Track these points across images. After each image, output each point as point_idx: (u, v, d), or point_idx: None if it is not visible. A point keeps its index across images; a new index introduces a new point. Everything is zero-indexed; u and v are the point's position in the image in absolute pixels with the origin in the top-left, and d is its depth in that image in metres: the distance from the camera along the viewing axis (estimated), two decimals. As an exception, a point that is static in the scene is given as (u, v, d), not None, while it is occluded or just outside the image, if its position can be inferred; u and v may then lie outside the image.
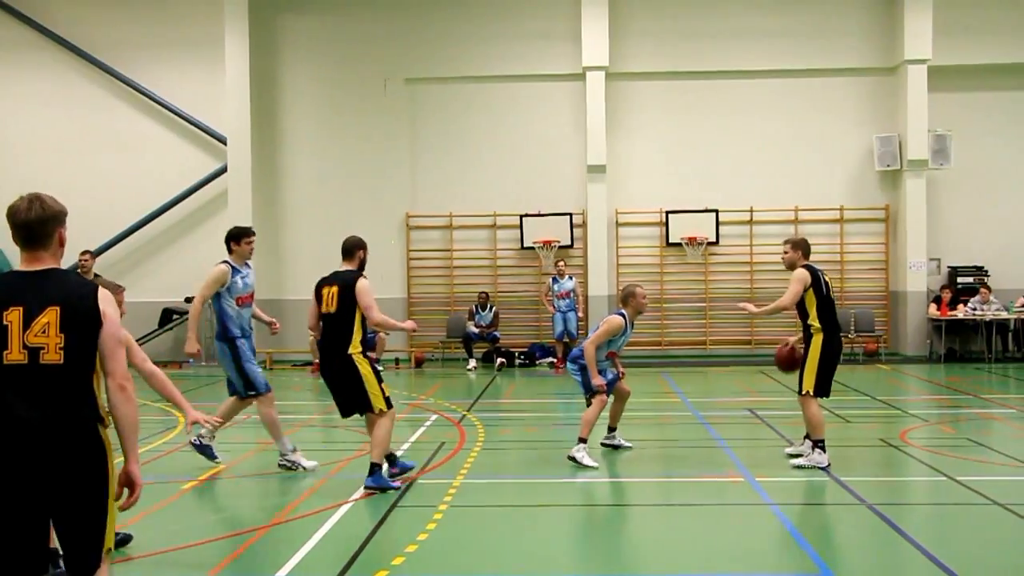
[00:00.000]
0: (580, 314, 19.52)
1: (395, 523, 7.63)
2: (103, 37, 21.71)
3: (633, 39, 20.96)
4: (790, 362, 9.94)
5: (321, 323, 8.81)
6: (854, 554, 6.96)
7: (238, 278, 9.55)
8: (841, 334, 9.83)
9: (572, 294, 19.43)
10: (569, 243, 20.81)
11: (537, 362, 20.08)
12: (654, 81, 21.13)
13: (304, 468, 9.53)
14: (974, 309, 19.59)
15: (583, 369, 9.96)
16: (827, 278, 9.75)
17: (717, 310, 21.11)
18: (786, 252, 9.87)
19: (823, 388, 9.45)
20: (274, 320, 10.21)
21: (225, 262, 9.60)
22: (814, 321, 9.48)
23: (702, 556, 6.79)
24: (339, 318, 8.60)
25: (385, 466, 8.85)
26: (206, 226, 21.57)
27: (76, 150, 21.77)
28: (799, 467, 9.45)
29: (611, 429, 10.66)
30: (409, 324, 9.21)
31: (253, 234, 9.81)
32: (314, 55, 21.52)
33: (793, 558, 6.74)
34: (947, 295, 20.01)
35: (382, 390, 8.63)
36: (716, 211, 20.73)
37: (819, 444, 9.45)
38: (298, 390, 16.78)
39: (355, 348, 8.60)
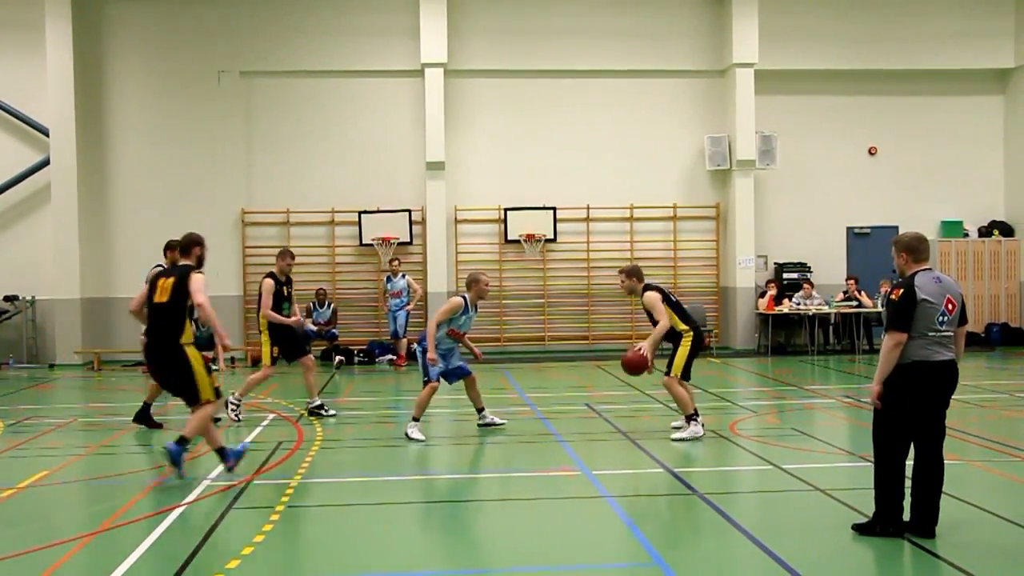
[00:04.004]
0: (410, 308, 19.32)
1: (230, 526, 7.43)
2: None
3: (472, 36, 21.02)
4: (638, 366, 10.66)
5: (148, 312, 8.97)
6: (686, 543, 7.17)
7: None
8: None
9: (405, 293, 19.31)
10: (408, 240, 20.71)
11: (376, 360, 19.91)
12: (493, 78, 21.24)
13: None
14: (798, 304, 20.45)
15: (424, 352, 10.92)
16: (663, 284, 11.12)
17: (555, 306, 21.41)
18: (623, 282, 11.01)
19: (688, 373, 10.82)
20: None
21: None
22: (681, 326, 10.73)
23: (541, 549, 6.85)
24: (171, 308, 8.69)
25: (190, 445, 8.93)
26: (28, 221, 20.58)
27: None
28: (680, 439, 10.58)
29: (479, 411, 11.60)
30: (227, 342, 9.10)
31: None
32: (144, 44, 20.72)
33: (628, 548, 6.89)
34: (773, 290, 20.81)
35: (211, 381, 8.83)
36: (554, 208, 20.99)
37: (692, 417, 10.69)
38: (132, 390, 16.11)
39: (187, 338, 8.73)
